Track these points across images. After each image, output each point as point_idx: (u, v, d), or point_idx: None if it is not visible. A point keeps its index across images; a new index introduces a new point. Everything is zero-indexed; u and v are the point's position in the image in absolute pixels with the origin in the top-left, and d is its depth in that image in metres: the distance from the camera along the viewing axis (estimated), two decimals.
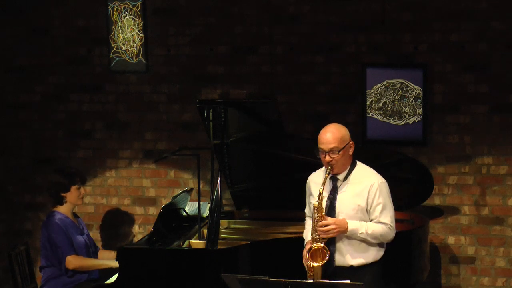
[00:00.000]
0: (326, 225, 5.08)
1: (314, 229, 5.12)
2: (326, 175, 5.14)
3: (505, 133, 6.77)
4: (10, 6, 7.45)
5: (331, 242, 5.15)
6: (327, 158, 5.14)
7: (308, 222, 5.41)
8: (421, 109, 6.82)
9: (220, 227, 5.96)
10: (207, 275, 5.64)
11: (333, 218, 5.14)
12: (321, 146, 5.16)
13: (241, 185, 6.65)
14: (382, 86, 6.88)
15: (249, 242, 5.90)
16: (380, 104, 6.90)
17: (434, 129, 6.87)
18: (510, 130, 6.76)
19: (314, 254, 5.07)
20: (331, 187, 5.23)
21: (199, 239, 6.17)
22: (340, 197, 5.20)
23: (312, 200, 5.24)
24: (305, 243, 5.33)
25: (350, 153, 5.20)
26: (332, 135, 5.13)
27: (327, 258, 5.04)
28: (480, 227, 6.89)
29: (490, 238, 6.87)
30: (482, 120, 6.79)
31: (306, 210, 5.47)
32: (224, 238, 6.21)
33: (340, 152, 5.12)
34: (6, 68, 7.57)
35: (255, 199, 6.70)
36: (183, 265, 5.70)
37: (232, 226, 6.63)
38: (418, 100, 6.82)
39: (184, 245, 6.10)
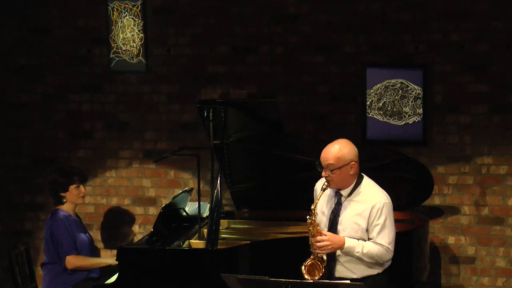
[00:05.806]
0: (321, 241, 5.04)
1: (310, 244, 5.09)
2: (321, 192, 5.09)
3: (505, 133, 6.77)
4: (10, 6, 7.45)
5: (331, 256, 5.12)
6: (323, 173, 5.09)
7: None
8: (421, 109, 6.82)
9: (220, 227, 5.96)
10: (207, 275, 5.63)
11: (329, 233, 5.08)
12: (320, 159, 5.10)
13: (241, 185, 6.64)
14: (382, 86, 6.88)
15: (249, 242, 5.89)
16: (380, 104, 6.90)
17: (434, 129, 6.87)
18: (510, 130, 6.76)
19: (310, 269, 5.06)
20: (335, 202, 5.17)
21: (199, 239, 6.16)
22: (343, 215, 5.14)
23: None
24: None
25: (351, 173, 5.08)
26: (331, 152, 5.05)
27: (323, 270, 5.01)
28: (480, 227, 6.89)
29: (490, 238, 6.87)
30: (482, 120, 6.79)
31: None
32: (224, 238, 6.20)
33: (336, 171, 5.03)
34: (6, 68, 7.57)
35: (255, 199, 6.69)
36: (183, 265, 5.69)
37: (232, 226, 6.62)
38: (418, 100, 6.82)
39: (184, 245, 6.10)
